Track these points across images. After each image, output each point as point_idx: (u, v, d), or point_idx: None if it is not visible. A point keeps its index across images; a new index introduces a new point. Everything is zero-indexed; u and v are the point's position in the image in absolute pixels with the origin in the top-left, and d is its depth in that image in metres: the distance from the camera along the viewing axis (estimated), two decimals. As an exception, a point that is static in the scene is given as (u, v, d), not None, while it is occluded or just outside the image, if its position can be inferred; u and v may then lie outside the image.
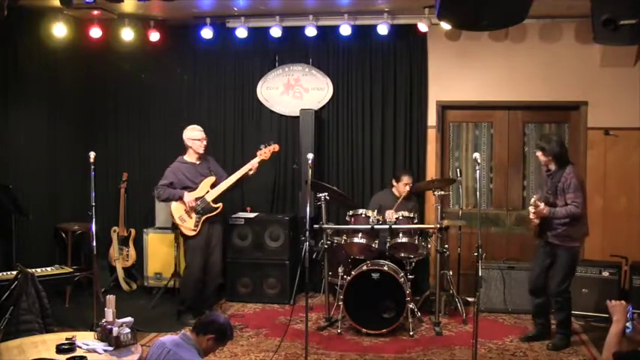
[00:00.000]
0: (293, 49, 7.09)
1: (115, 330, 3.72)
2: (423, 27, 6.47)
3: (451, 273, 6.20)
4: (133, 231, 7.11)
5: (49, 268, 5.35)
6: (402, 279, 5.61)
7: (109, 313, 3.86)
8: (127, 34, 6.80)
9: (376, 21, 6.55)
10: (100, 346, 3.71)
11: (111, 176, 7.29)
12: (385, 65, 6.90)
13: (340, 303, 5.64)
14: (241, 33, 6.75)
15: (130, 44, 6.92)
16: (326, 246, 5.81)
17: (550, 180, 5.25)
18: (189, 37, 7.05)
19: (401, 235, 5.74)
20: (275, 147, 6.05)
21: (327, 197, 5.72)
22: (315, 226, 5.69)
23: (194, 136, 5.88)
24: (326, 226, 5.79)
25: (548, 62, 6.65)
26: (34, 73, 6.56)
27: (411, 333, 5.54)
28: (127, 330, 3.77)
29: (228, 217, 6.63)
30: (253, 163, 5.90)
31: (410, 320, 5.58)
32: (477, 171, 4.40)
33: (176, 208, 5.77)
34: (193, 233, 5.75)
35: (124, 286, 6.98)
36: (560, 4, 5.97)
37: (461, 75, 6.83)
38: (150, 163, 7.34)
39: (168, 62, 7.27)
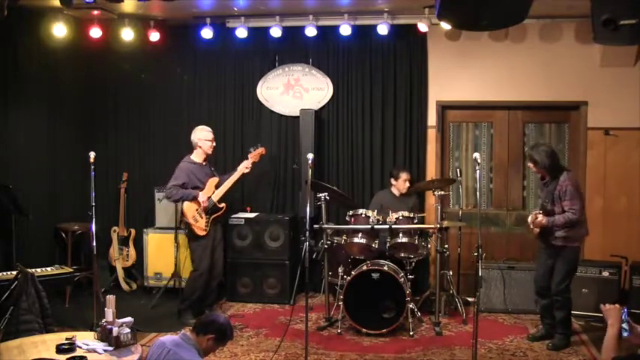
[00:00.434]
0: (293, 49, 7.09)
1: (115, 330, 3.72)
2: (423, 27, 6.47)
3: (451, 273, 6.20)
4: (133, 231, 7.11)
5: (49, 268, 5.35)
6: (402, 279, 5.61)
7: (109, 313, 3.86)
8: (127, 34, 6.80)
9: (376, 21, 6.55)
10: (100, 346, 3.71)
11: (111, 176, 7.29)
12: (385, 65, 6.90)
13: (340, 303, 5.64)
14: (241, 33, 6.75)
15: (130, 44, 6.92)
16: (326, 246, 5.81)
17: (546, 188, 5.29)
18: (189, 37, 7.05)
19: (401, 235, 5.74)
20: (262, 150, 6.11)
21: (327, 197, 5.72)
22: (315, 226, 5.69)
23: (205, 136, 5.89)
24: (326, 226, 5.79)
25: (548, 62, 6.65)
26: (34, 73, 6.56)
27: (411, 333, 5.54)
28: (127, 330, 3.77)
29: (229, 217, 6.63)
30: (247, 164, 5.97)
31: (410, 320, 5.58)
32: (477, 171, 4.40)
33: (189, 207, 5.77)
34: (204, 233, 5.79)
35: (124, 286, 6.97)
36: (560, 4, 5.97)
37: (461, 75, 6.83)
38: (150, 163, 7.34)
39: (168, 62, 7.27)
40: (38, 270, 5.15)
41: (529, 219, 5.31)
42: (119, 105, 7.43)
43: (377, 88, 6.93)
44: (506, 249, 6.86)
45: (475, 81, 6.82)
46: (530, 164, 5.35)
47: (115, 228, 7.05)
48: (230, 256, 6.60)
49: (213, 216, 5.81)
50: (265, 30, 6.75)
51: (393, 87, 6.89)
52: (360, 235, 5.78)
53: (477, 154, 4.41)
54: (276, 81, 7.15)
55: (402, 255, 5.85)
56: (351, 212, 5.90)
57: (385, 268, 5.61)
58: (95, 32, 6.66)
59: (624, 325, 2.90)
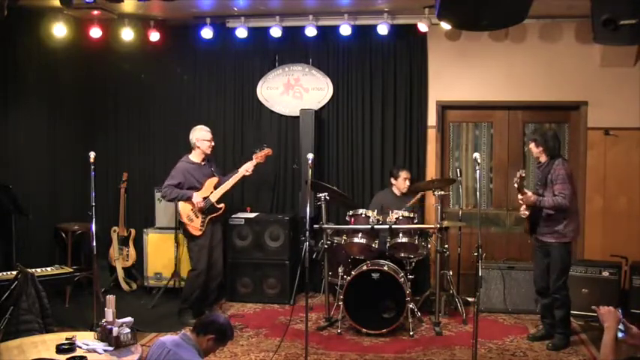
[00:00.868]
0: (293, 49, 7.09)
1: (115, 330, 3.72)
2: (423, 27, 6.47)
3: (451, 273, 6.20)
4: (133, 231, 7.11)
5: (49, 268, 5.35)
6: (402, 279, 5.61)
7: (109, 313, 3.86)
8: (127, 34, 6.80)
9: (376, 21, 6.55)
10: (100, 346, 3.71)
11: (111, 176, 7.29)
12: (385, 65, 6.90)
13: (340, 303, 5.64)
14: (241, 33, 6.75)
15: (130, 44, 6.92)
16: (326, 246, 5.81)
17: (540, 172, 5.30)
18: (189, 37, 7.05)
19: (401, 235, 5.74)
20: (268, 151, 6.08)
21: (327, 197, 5.72)
22: (315, 226, 5.69)
23: (203, 136, 5.88)
24: (326, 226, 5.79)
25: (548, 62, 6.65)
26: (34, 73, 6.56)
27: (411, 333, 5.54)
28: (127, 330, 3.77)
29: (229, 217, 6.63)
30: (249, 166, 5.92)
31: (410, 320, 5.58)
32: (477, 171, 4.40)
33: (184, 207, 5.78)
34: (200, 233, 5.77)
35: (124, 286, 6.97)
36: (560, 4, 5.97)
37: (461, 75, 6.83)
38: (150, 163, 7.34)
39: (168, 62, 7.27)
40: (38, 270, 5.15)
41: (515, 178, 5.09)
42: (119, 105, 7.43)
43: (377, 88, 6.93)
44: (506, 249, 6.86)
45: (475, 81, 6.82)
46: (531, 144, 5.35)
47: (115, 228, 7.05)
48: (230, 256, 6.60)
49: (210, 216, 5.80)
50: (265, 30, 6.75)
51: (393, 87, 6.89)
52: (360, 235, 5.78)
53: (476, 154, 4.41)
54: (276, 81, 7.15)
55: (402, 255, 5.84)
56: (351, 212, 5.90)
57: (385, 268, 5.61)
58: (95, 32, 6.66)
59: (620, 326, 2.89)
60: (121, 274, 7.00)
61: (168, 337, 3.49)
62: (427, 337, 5.54)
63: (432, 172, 6.86)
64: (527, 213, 5.25)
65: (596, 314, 3.04)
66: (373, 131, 6.94)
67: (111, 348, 3.68)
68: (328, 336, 5.60)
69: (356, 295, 5.55)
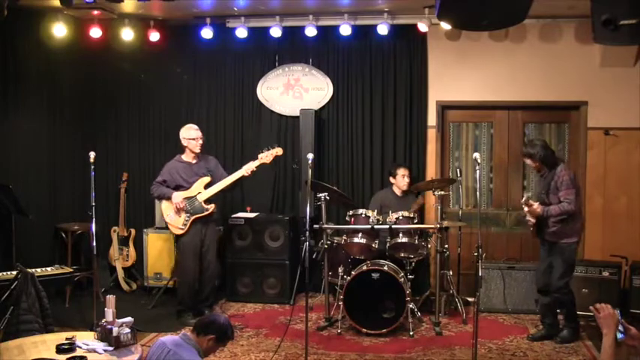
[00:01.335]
0: (293, 49, 7.09)
1: (115, 330, 3.72)
2: (423, 27, 6.47)
3: (451, 273, 6.20)
4: (133, 231, 7.11)
5: (49, 268, 5.35)
6: (402, 279, 5.61)
7: (109, 313, 3.85)
8: (127, 34, 6.80)
9: (376, 21, 6.55)
10: (100, 346, 3.71)
11: (111, 176, 7.29)
12: (385, 65, 6.90)
13: (340, 303, 5.64)
14: (241, 33, 6.76)
15: (130, 44, 6.92)
16: (326, 246, 5.80)
17: (544, 180, 5.32)
18: (189, 37, 7.05)
19: (401, 235, 5.74)
20: (278, 151, 5.98)
21: (327, 197, 5.71)
22: (315, 226, 5.68)
23: (189, 135, 5.88)
24: (326, 226, 5.78)
25: (548, 62, 6.65)
26: (34, 73, 6.56)
27: (411, 333, 5.54)
28: (127, 330, 3.77)
29: (229, 217, 6.63)
30: (251, 167, 5.84)
31: (410, 320, 5.57)
32: (477, 171, 4.41)
33: (166, 206, 5.82)
34: (181, 232, 5.77)
35: (124, 286, 6.97)
36: (560, 4, 5.97)
37: (461, 75, 6.83)
38: (150, 163, 7.33)
39: (168, 62, 7.27)
40: (38, 270, 5.15)
41: (522, 200, 5.29)
42: (119, 105, 7.42)
43: (377, 88, 6.92)
44: (506, 249, 6.86)
45: (475, 81, 6.82)
46: (527, 160, 5.37)
47: (115, 228, 7.05)
48: (230, 256, 6.60)
49: (194, 216, 5.78)
50: (265, 30, 6.75)
51: (393, 87, 6.89)
52: (360, 235, 5.78)
53: (476, 154, 4.42)
54: (276, 81, 7.15)
55: (402, 255, 5.84)
56: (351, 212, 5.90)
57: (385, 268, 5.61)
58: (95, 32, 6.66)
59: (619, 327, 2.87)
60: (120, 274, 7.00)
61: (168, 337, 3.50)
62: (427, 337, 5.54)
63: (432, 172, 6.86)
64: (533, 221, 5.27)
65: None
66: (373, 131, 6.94)
67: (111, 348, 3.68)
68: (328, 336, 5.60)
69: (356, 295, 5.55)
